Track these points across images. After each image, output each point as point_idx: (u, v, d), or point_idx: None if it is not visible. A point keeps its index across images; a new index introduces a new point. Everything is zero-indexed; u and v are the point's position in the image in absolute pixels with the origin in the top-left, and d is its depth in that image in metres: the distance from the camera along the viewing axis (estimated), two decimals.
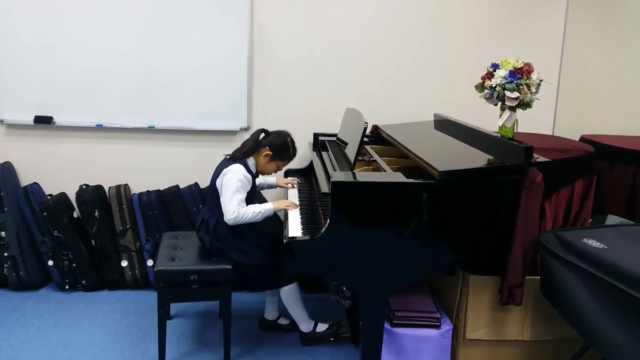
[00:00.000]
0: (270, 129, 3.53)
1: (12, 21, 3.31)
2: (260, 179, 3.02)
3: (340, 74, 3.58)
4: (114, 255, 3.47)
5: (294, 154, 2.79)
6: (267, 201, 2.72)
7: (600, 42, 3.60)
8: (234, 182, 2.56)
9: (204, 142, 3.57)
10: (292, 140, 2.76)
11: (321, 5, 3.50)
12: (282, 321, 3.04)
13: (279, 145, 2.71)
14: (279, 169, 2.79)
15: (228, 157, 2.71)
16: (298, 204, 2.76)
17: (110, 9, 3.34)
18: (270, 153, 2.69)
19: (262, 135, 2.72)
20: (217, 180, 2.64)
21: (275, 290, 2.86)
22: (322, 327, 2.92)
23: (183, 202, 3.50)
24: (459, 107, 3.46)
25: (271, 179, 3.06)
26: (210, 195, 2.73)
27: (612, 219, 2.96)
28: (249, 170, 2.65)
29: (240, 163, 2.63)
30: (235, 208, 2.55)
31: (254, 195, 2.76)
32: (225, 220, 2.58)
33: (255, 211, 2.59)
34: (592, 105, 3.66)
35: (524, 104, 2.60)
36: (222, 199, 2.60)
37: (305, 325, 2.89)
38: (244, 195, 2.60)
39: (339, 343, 2.92)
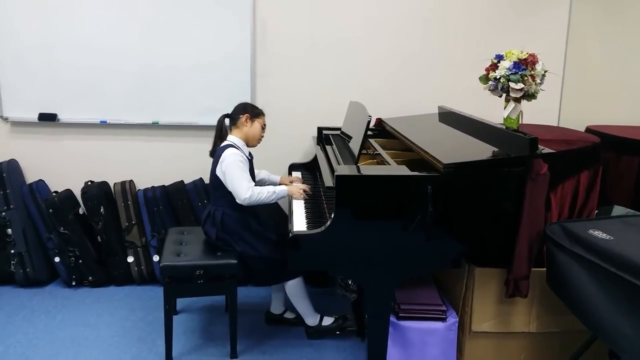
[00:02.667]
0: (275, 123, 3.55)
1: (15, 19, 3.32)
2: (264, 174, 3.03)
3: (344, 68, 3.57)
4: (120, 251, 3.48)
5: (262, 110, 2.85)
6: None
7: (605, 32, 3.58)
8: (235, 164, 2.60)
9: (208, 137, 3.52)
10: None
11: (323, 0, 3.48)
12: (288, 315, 3.05)
13: (248, 107, 2.79)
14: (263, 129, 2.83)
15: (210, 154, 2.77)
16: (308, 193, 2.80)
17: (112, 5, 3.34)
18: (247, 114, 2.74)
19: (227, 119, 2.80)
20: (217, 169, 2.66)
21: (280, 284, 2.87)
22: (328, 321, 2.93)
23: (188, 198, 3.51)
24: (463, 99, 3.45)
25: (275, 177, 3.07)
26: (213, 188, 2.75)
27: (618, 210, 2.95)
28: (241, 152, 2.68)
29: (230, 147, 2.67)
30: (247, 186, 2.59)
31: (254, 177, 2.79)
32: (240, 201, 2.61)
33: (270, 191, 2.64)
34: (598, 96, 3.64)
35: (529, 95, 2.59)
36: (230, 184, 2.62)
37: (311, 319, 2.90)
38: (248, 173, 2.65)
39: (345, 336, 2.93)
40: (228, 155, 2.62)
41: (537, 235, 2.27)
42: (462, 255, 2.32)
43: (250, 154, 2.80)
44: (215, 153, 2.72)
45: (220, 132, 2.79)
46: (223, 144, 2.72)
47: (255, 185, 2.66)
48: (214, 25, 3.41)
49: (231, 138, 2.74)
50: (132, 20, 3.37)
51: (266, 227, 2.83)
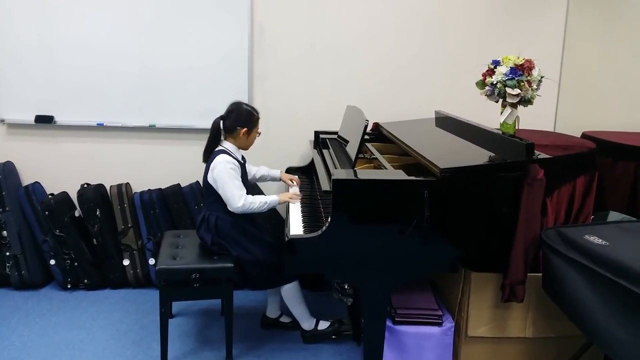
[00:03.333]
0: (272, 127, 3.55)
1: (12, 21, 3.31)
2: (264, 171, 3.03)
3: (341, 72, 3.57)
4: (115, 254, 3.47)
5: (257, 112, 2.77)
6: (264, 194, 2.75)
7: (601, 37, 3.60)
8: (225, 172, 2.58)
9: (205, 140, 3.53)
10: (246, 104, 2.76)
11: (321, 3, 3.49)
12: (284, 319, 3.05)
13: (244, 116, 2.70)
14: (258, 134, 2.80)
15: (203, 158, 2.73)
16: (300, 195, 2.81)
17: (110, 8, 3.34)
18: (246, 128, 2.70)
19: (221, 121, 2.72)
20: (208, 176, 2.66)
21: (276, 288, 2.86)
22: (323, 325, 2.92)
23: (184, 201, 3.51)
24: (460, 104, 3.45)
25: (275, 171, 3.07)
26: (206, 193, 2.75)
27: (613, 216, 2.96)
28: (233, 157, 2.66)
29: (221, 153, 2.65)
30: (239, 194, 2.58)
31: (246, 182, 2.76)
32: (232, 209, 2.60)
33: (262, 201, 2.63)
34: (594, 102, 3.65)
35: (525, 101, 2.60)
36: (222, 193, 2.61)
37: (307, 323, 2.89)
38: (240, 180, 2.63)
39: (340, 341, 2.92)
40: (219, 163, 2.60)
41: (533, 240, 2.27)
42: (459, 259, 2.32)
43: (243, 157, 2.80)
44: (209, 158, 2.70)
45: (215, 136, 2.72)
46: (216, 149, 2.70)
47: (254, 181, 2.63)
48: (212, 28, 3.41)
49: (224, 144, 2.71)
50: (130, 23, 3.37)
51: (262, 231, 2.82)
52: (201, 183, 3.48)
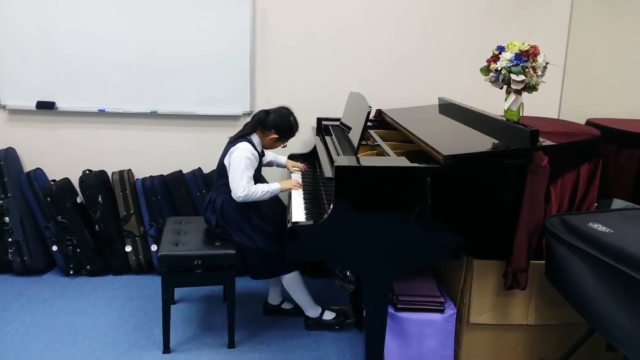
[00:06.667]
0: None
1: (13, 7, 3.29)
2: (271, 156, 3.05)
3: (344, 59, 3.55)
4: (117, 240, 3.47)
5: (297, 129, 2.80)
6: (267, 182, 2.75)
7: (607, 24, 3.56)
8: (242, 160, 2.59)
9: (207, 127, 3.56)
10: (294, 118, 2.78)
11: None
12: (286, 306, 3.05)
13: (284, 127, 2.73)
14: (284, 145, 2.82)
15: (230, 139, 2.72)
16: (301, 184, 2.82)
17: None
18: (277, 136, 2.73)
19: (264, 115, 2.72)
20: (225, 158, 2.66)
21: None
22: (329, 316, 2.93)
23: (186, 187, 3.50)
24: (463, 90, 3.43)
25: (282, 158, 3.09)
26: (217, 176, 2.76)
27: (617, 203, 2.94)
28: (255, 149, 2.67)
29: (246, 141, 2.65)
30: (245, 185, 2.59)
31: (259, 174, 2.78)
32: (234, 197, 2.61)
33: (264, 190, 2.63)
34: (599, 89, 3.62)
35: (530, 87, 2.57)
36: (230, 177, 2.61)
37: (312, 311, 2.90)
38: (252, 172, 2.63)
39: (342, 327, 2.93)
40: (239, 149, 2.61)
41: (537, 227, 2.26)
42: (461, 247, 2.31)
43: (262, 150, 2.81)
44: (229, 143, 2.71)
45: (253, 127, 2.71)
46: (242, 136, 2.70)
47: (262, 166, 2.62)
48: (214, 15, 3.38)
49: (252, 135, 2.72)
50: (132, 9, 3.34)
51: (265, 219, 2.82)
52: (204, 170, 3.51)
